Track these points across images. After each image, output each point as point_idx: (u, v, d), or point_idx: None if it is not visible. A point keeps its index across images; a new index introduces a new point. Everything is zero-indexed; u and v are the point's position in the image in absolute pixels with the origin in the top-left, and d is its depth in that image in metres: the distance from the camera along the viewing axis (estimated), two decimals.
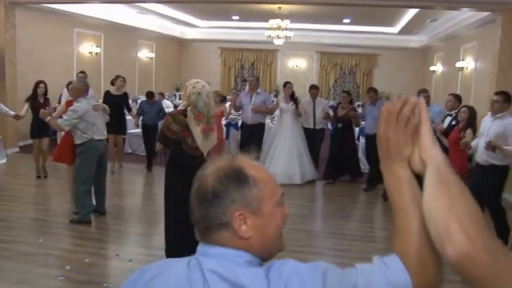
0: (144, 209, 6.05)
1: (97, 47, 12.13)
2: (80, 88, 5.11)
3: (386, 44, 16.20)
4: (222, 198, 1.00)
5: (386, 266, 0.97)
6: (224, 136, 9.03)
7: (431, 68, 14.65)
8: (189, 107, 3.73)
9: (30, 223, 5.24)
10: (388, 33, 15.37)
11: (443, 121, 5.94)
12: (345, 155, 7.68)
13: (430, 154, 0.97)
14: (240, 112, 8.25)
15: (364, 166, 8.19)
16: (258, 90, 7.74)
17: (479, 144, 4.91)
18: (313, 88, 8.11)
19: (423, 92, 6.60)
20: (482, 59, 10.00)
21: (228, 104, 9.23)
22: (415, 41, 16.04)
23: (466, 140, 4.96)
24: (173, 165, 3.87)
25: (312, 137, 7.91)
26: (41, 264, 4.11)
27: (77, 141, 5.08)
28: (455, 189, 0.90)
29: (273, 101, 8.10)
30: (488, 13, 8.59)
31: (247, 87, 8.08)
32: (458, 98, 6.05)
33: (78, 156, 5.10)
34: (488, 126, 4.87)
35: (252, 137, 7.51)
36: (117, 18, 12.33)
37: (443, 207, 0.87)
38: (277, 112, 8.12)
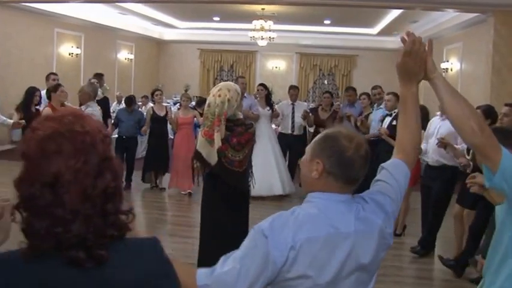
0: (143, 217, 5.68)
1: (77, 47, 11.73)
2: (89, 92, 4.96)
3: (364, 45, 16.27)
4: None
5: (394, 166, 1.60)
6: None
7: None
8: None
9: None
10: (367, 34, 15.42)
11: (382, 121, 5.70)
12: None
13: (435, 75, 1.58)
14: None
15: None
16: (245, 94, 6.97)
17: (429, 145, 4.82)
18: (293, 88, 7.53)
19: (375, 89, 6.48)
20: (469, 60, 10.09)
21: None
22: (393, 42, 16.13)
23: None
24: (211, 183, 3.49)
25: (290, 144, 7.23)
26: None
27: None
28: (463, 100, 1.55)
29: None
30: (475, 14, 8.64)
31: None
32: (397, 97, 5.88)
33: None
34: (438, 126, 4.77)
35: None
36: (97, 18, 11.97)
37: (462, 114, 1.52)
38: None
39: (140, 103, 10.89)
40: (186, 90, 14.82)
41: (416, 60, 1.54)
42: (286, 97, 7.77)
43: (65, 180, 0.90)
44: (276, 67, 17.07)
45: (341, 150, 1.42)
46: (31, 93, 6.08)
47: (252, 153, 3.52)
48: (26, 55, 9.79)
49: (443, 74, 11.53)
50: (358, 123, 6.31)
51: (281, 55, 16.92)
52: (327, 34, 15.56)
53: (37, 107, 6.21)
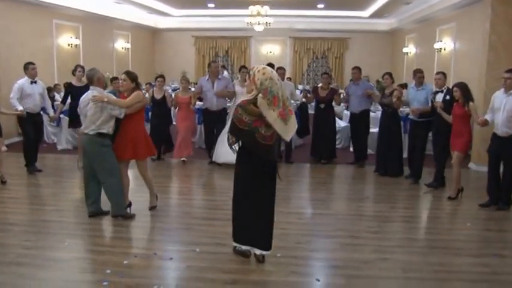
0: (166, 202, 5.81)
1: (76, 38, 11.72)
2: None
3: (356, 27, 16.44)
4: None
5: None
6: (196, 121, 9.09)
7: (404, 50, 14.99)
8: (260, 95, 3.63)
9: (47, 226, 4.91)
10: (359, 17, 15.58)
11: (434, 98, 6.45)
12: (325, 136, 7.93)
13: None
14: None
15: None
16: (220, 76, 7.84)
17: (495, 118, 5.49)
18: (280, 69, 7.98)
19: (419, 72, 6.95)
20: (463, 40, 10.31)
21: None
22: (384, 24, 16.35)
23: (482, 119, 5.62)
24: (243, 157, 3.81)
25: None
26: (77, 270, 3.88)
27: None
28: None
29: (233, 85, 7.95)
30: None
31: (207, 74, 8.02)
32: (445, 76, 6.68)
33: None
34: (504, 101, 5.39)
35: (217, 122, 7.63)
36: (94, 8, 11.97)
37: None
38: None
39: (144, 90, 11.04)
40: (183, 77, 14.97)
41: None
42: None
43: None
44: (270, 52, 17.18)
45: None
46: None
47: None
48: (27, 48, 9.76)
49: (436, 54, 11.77)
50: (394, 99, 6.97)
51: (275, 40, 17.02)
52: (320, 18, 15.70)
53: None
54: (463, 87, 5.83)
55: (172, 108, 8.34)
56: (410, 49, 14.67)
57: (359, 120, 7.82)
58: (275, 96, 3.63)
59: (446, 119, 6.05)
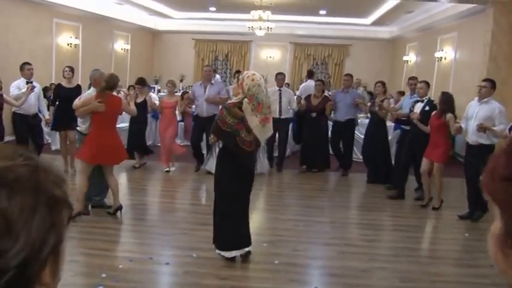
0: (162, 207, 5.77)
1: (76, 38, 11.64)
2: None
3: (358, 34, 16.44)
4: None
5: None
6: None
7: (404, 58, 15.01)
8: (246, 99, 3.74)
9: None
10: (360, 24, 15.61)
11: (413, 107, 6.30)
12: (318, 145, 7.75)
13: None
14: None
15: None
16: (212, 81, 7.60)
17: (468, 126, 5.47)
18: (280, 75, 7.96)
19: (412, 79, 6.91)
20: (464, 49, 10.32)
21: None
22: (386, 31, 16.36)
23: (457, 126, 5.58)
24: (224, 158, 3.89)
25: (278, 127, 7.48)
26: (72, 273, 3.81)
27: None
28: None
29: (227, 90, 7.79)
30: (471, 5, 8.83)
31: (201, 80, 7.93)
32: (428, 85, 6.57)
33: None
34: (476, 110, 5.38)
35: (206, 129, 7.26)
36: (94, 8, 11.91)
37: None
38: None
39: (138, 92, 11.04)
40: (181, 80, 14.94)
41: None
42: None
43: None
44: (270, 57, 17.16)
45: None
46: None
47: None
48: (26, 46, 9.70)
49: (437, 62, 11.79)
50: (376, 108, 6.90)
51: (275, 45, 17.00)
52: (321, 24, 15.69)
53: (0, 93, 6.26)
54: (445, 98, 5.78)
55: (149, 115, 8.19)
56: (410, 57, 14.68)
57: (344, 129, 7.65)
58: (260, 103, 3.75)
59: (423, 129, 5.91)
